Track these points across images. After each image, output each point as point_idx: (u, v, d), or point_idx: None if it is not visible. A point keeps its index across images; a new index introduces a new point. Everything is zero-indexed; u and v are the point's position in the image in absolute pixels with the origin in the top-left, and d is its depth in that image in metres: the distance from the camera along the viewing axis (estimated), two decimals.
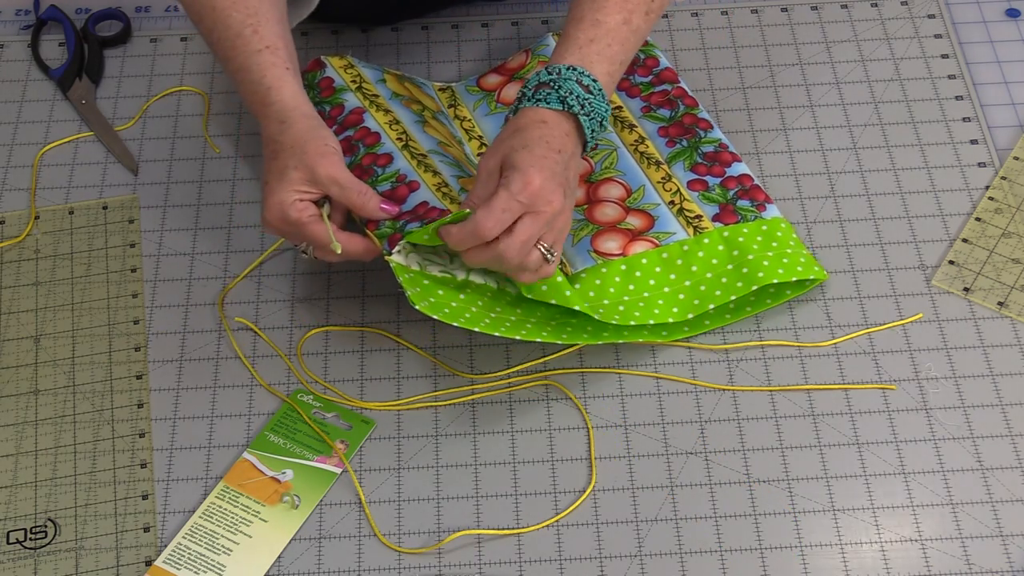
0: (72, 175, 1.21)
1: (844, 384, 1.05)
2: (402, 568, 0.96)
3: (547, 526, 0.98)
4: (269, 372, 1.07)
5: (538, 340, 1.03)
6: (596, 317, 1.03)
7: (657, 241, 1.09)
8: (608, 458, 1.02)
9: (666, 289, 1.06)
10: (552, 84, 0.99)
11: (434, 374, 1.07)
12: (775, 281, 1.06)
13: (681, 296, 1.06)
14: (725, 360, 1.07)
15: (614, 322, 1.04)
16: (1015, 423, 1.03)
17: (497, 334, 1.00)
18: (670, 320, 1.05)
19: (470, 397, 1.05)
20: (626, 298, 1.06)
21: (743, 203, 1.11)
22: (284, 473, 1.01)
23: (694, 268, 1.07)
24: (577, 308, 1.01)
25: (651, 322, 1.04)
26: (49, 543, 0.98)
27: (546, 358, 1.07)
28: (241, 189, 1.19)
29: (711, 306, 1.05)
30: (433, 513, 0.99)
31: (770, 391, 1.05)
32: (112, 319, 1.10)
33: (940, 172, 1.19)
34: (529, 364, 1.07)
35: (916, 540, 0.97)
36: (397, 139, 1.11)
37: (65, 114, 1.26)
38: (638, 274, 1.07)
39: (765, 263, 1.07)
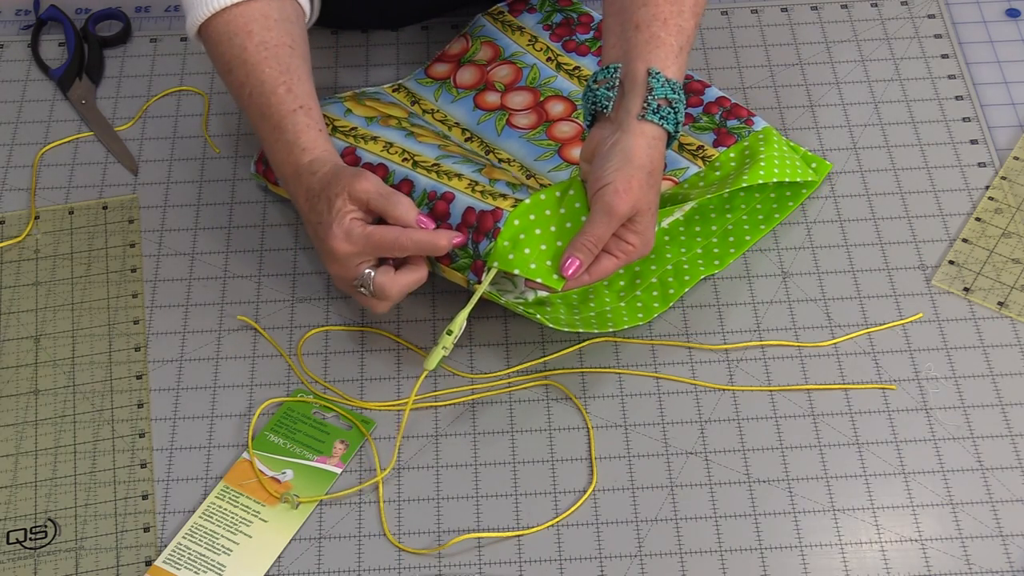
0: (72, 175, 1.21)
1: (844, 384, 1.05)
2: (402, 568, 0.96)
3: (547, 526, 0.98)
4: (269, 372, 1.07)
5: (624, 327, 1.05)
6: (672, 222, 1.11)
7: (675, 179, 1.12)
8: (608, 458, 1.02)
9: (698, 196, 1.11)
10: (673, 105, 1.00)
11: (434, 374, 1.07)
12: (787, 179, 1.11)
13: (709, 195, 1.10)
14: (725, 360, 1.07)
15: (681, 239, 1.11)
16: (1015, 423, 1.03)
17: (596, 330, 1.04)
18: (712, 214, 1.12)
19: (470, 397, 1.05)
20: (677, 213, 1.12)
21: (732, 123, 1.15)
22: (284, 473, 1.01)
23: (715, 183, 1.11)
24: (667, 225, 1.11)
25: (698, 229, 1.12)
26: (49, 543, 0.98)
27: (546, 358, 1.07)
28: (241, 189, 1.19)
29: (745, 184, 1.09)
30: (433, 513, 0.99)
31: (770, 391, 1.05)
32: (112, 319, 1.10)
33: (940, 172, 1.19)
34: (529, 364, 1.07)
35: (916, 540, 0.97)
36: (403, 161, 1.09)
37: (65, 114, 1.26)
38: (670, 216, 1.12)
39: (776, 160, 1.11)
